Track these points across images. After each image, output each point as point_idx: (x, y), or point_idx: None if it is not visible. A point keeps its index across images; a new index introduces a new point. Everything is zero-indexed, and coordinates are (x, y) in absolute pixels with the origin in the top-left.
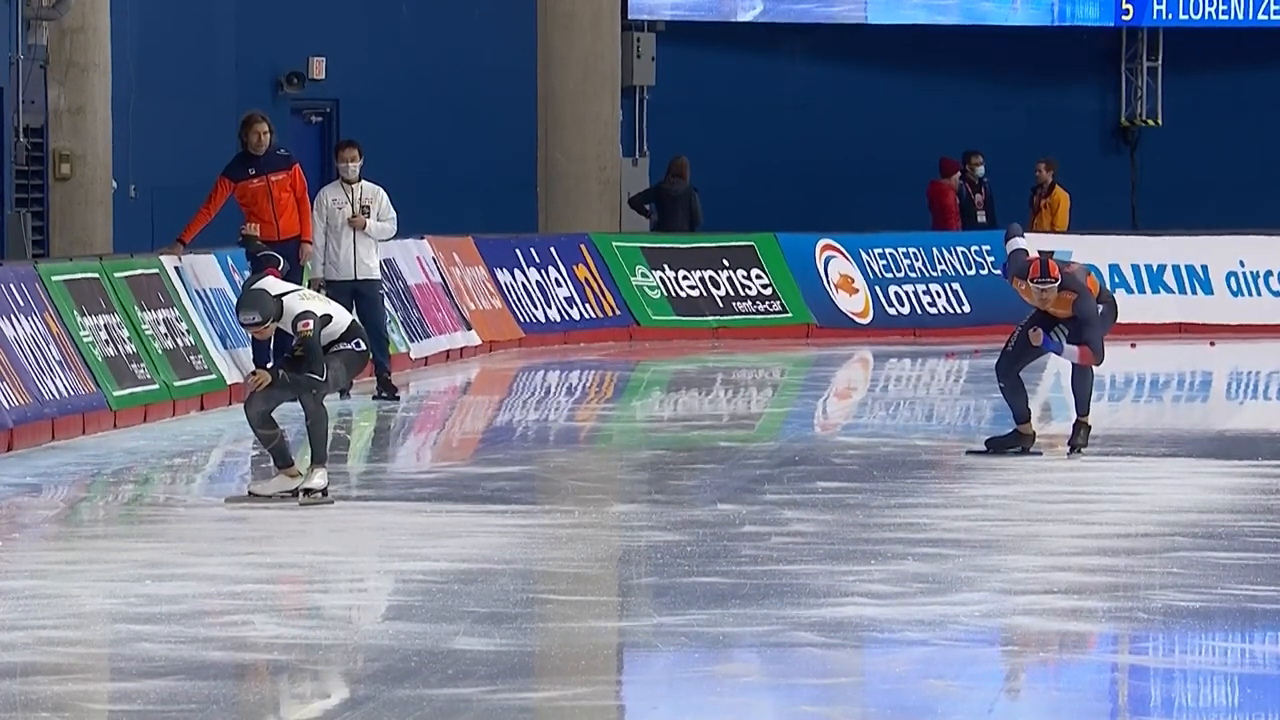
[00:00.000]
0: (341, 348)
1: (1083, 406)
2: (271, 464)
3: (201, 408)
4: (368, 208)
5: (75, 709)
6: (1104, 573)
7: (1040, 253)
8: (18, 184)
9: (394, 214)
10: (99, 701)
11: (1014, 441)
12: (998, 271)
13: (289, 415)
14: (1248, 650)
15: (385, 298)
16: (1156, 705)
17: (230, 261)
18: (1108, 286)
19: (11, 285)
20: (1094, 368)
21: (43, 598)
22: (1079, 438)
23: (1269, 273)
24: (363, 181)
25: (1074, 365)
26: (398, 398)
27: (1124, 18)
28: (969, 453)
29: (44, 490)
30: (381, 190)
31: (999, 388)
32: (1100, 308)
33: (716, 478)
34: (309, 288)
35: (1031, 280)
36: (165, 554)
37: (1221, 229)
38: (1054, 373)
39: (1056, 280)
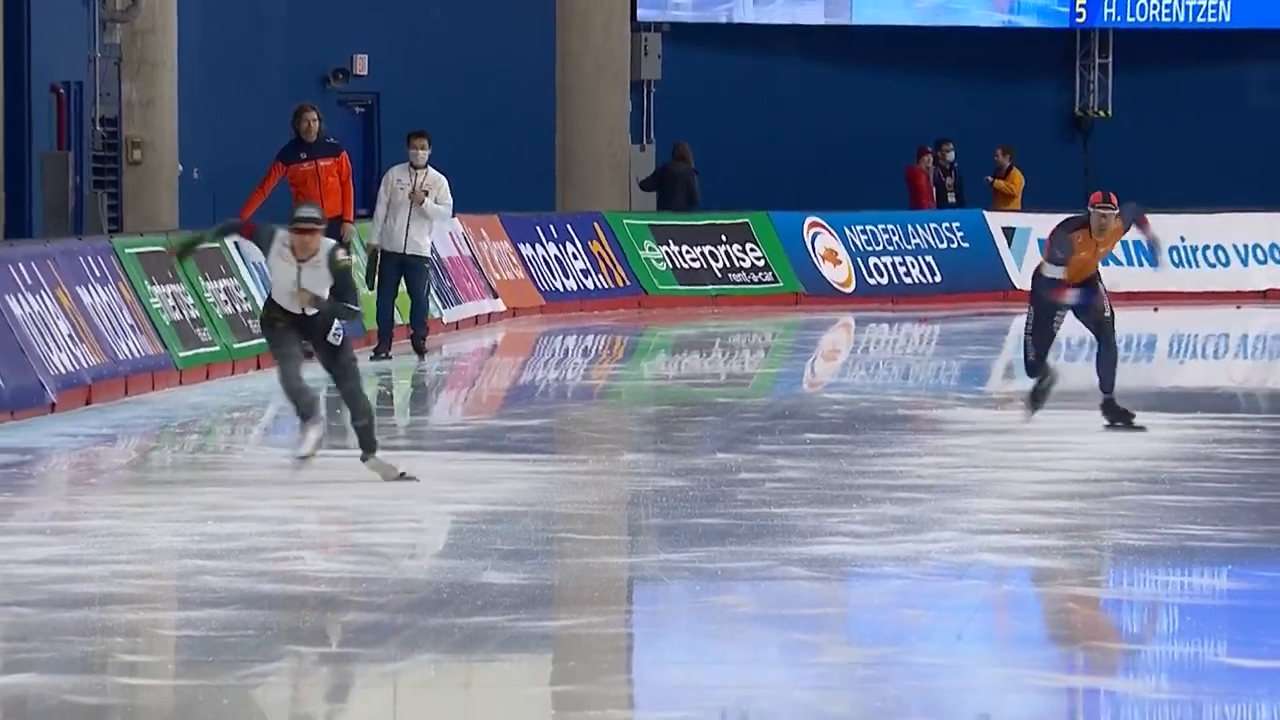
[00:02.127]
0: (337, 328)
1: (1108, 385)
2: (300, 422)
3: (258, 367)
4: (428, 191)
5: (146, 635)
6: (1059, 514)
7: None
8: (95, 168)
9: (451, 201)
10: (166, 628)
11: (1042, 395)
12: (966, 245)
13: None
14: (1186, 583)
15: (430, 273)
16: (1105, 630)
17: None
18: None
19: (90, 258)
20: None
21: (117, 536)
22: (1113, 414)
23: (1206, 246)
24: (429, 168)
25: (1101, 347)
26: (425, 356)
27: (1078, 20)
28: (1026, 419)
29: (118, 440)
30: (444, 180)
31: (1028, 363)
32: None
33: (715, 430)
34: (364, 253)
35: (1093, 206)
36: (225, 497)
37: (1164, 209)
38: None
39: (1116, 208)
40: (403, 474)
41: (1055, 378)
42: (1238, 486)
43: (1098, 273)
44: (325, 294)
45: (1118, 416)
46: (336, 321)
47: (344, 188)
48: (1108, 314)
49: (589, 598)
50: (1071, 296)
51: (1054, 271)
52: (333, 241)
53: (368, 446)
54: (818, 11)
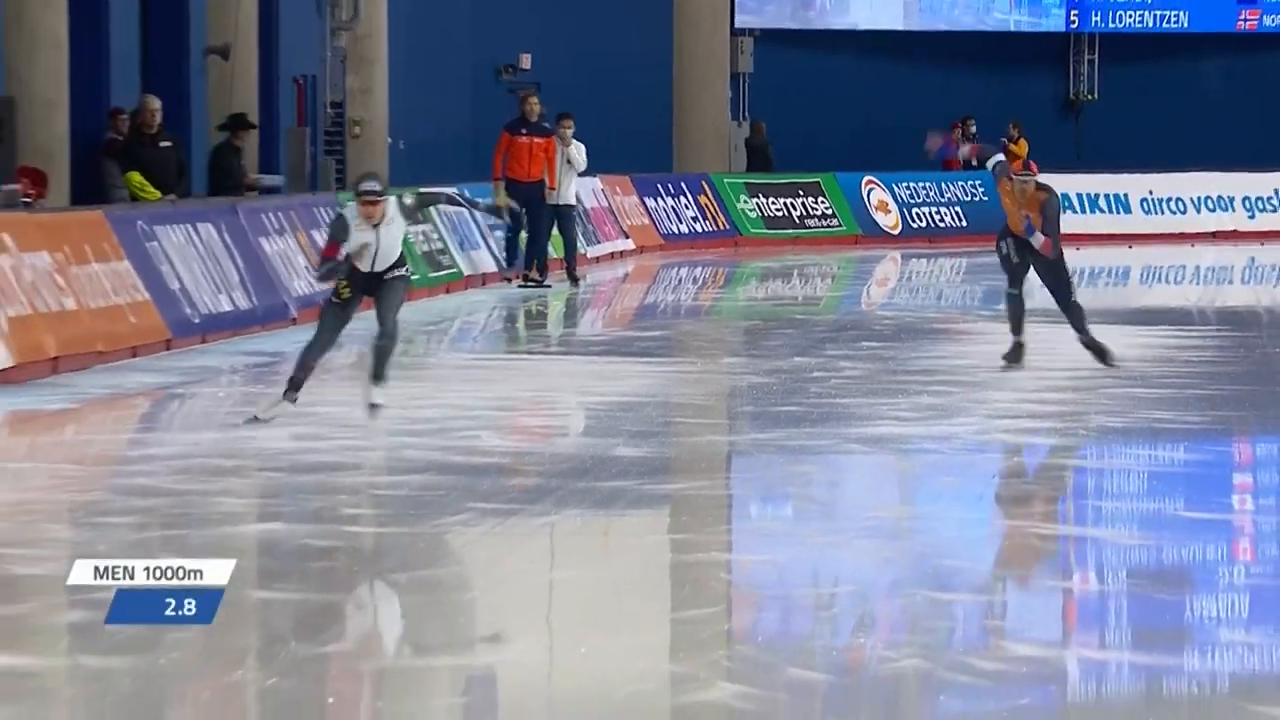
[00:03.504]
0: (397, 273)
1: (1082, 332)
2: (283, 386)
3: (447, 291)
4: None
5: (364, 494)
6: (1056, 403)
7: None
8: (326, 141)
9: (586, 159)
10: (379, 489)
11: (1018, 353)
12: (985, 198)
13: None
14: (1154, 456)
15: (579, 217)
16: (1091, 492)
17: (466, 193)
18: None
19: (321, 209)
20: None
21: (342, 418)
22: (1094, 349)
23: (1168, 198)
24: (574, 140)
25: (1069, 318)
26: (578, 283)
27: (1072, 25)
28: (1003, 369)
29: (343, 345)
30: (583, 146)
31: (1008, 294)
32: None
33: (793, 339)
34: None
35: (1014, 174)
36: (423, 389)
37: (1137, 170)
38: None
39: (1036, 175)
40: (374, 405)
41: (1023, 348)
42: (1193, 382)
43: (1045, 218)
44: (398, 249)
45: (1097, 350)
46: (400, 269)
47: (549, 161)
48: (1061, 273)
49: (698, 467)
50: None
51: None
52: (393, 198)
53: (376, 373)
54: (874, 18)
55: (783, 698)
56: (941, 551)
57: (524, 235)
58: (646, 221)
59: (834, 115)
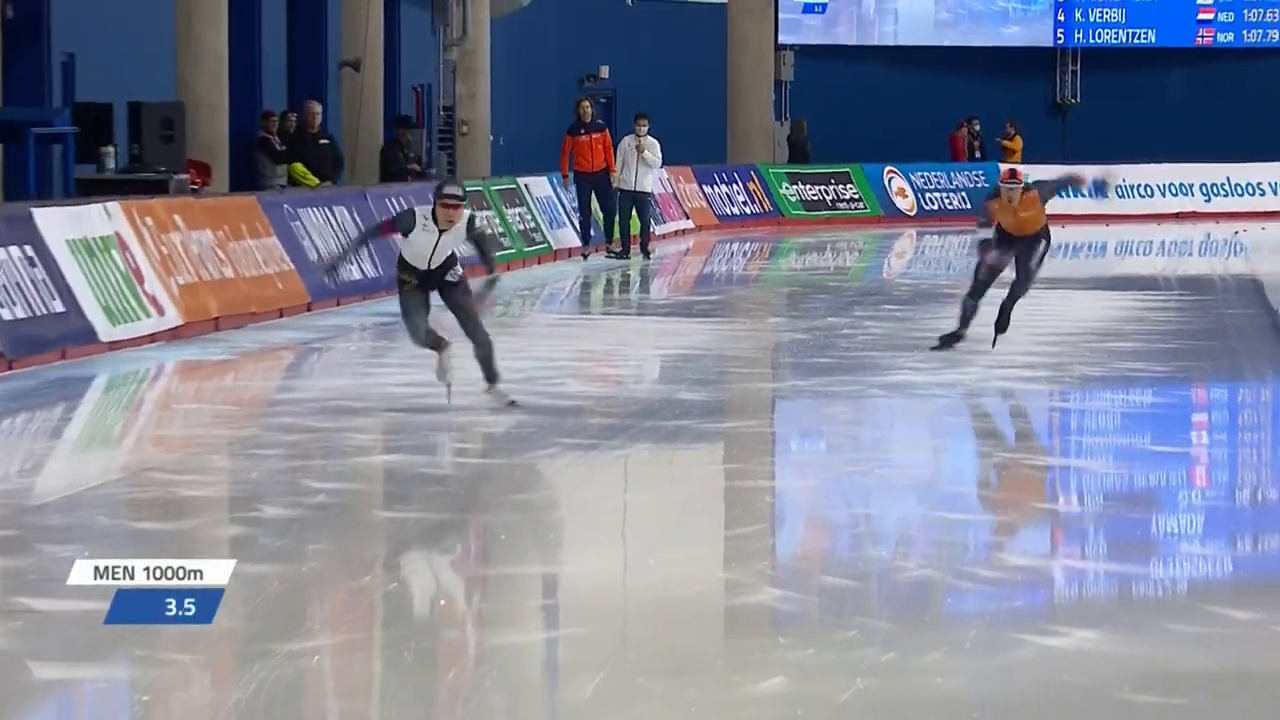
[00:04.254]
0: (455, 272)
1: (1004, 325)
2: (437, 355)
3: (539, 263)
4: (645, 148)
5: (468, 430)
6: (1046, 355)
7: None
8: (440, 138)
9: (660, 154)
10: (479, 427)
11: (955, 340)
12: (986, 186)
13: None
14: (1126, 400)
15: (653, 203)
16: (1074, 429)
17: (555, 180)
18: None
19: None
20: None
21: (455, 368)
22: (1000, 326)
23: (1139, 185)
24: (648, 135)
25: (1015, 281)
26: (649, 256)
27: (1058, 40)
28: (931, 349)
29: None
30: (657, 142)
31: (965, 300)
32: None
33: (826, 302)
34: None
35: (1002, 183)
36: (518, 343)
37: (1113, 161)
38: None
39: (1021, 182)
40: (512, 402)
41: (964, 336)
42: (1159, 337)
43: (1040, 232)
44: (459, 251)
45: (1000, 328)
46: (457, 267)
47: (606, 152)
48: (1033, 266)
49: (746, 409)
50: (991, 258)
51: (983, 234)
52: (469, 212)
53: (489, 377)
54: (897, 36)
55: (816, 600)
56: (949, 479)
57: (598, 216)
58: (704, 205)
59: (861, 116)
